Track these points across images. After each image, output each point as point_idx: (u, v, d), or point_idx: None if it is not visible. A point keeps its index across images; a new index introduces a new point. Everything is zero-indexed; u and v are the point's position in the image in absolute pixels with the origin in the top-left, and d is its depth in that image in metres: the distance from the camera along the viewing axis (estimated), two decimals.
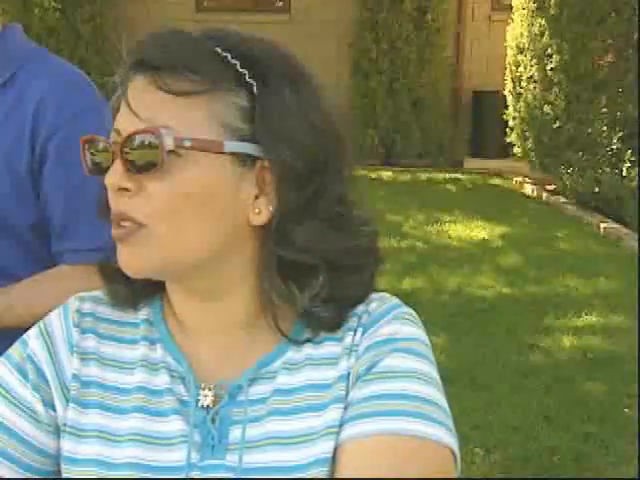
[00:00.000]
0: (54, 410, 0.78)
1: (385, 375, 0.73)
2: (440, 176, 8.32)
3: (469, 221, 6.37)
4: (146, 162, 0.71)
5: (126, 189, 0.72)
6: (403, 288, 4.65)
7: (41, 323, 0.82)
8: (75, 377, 0.79)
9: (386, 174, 8.25)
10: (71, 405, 0.78)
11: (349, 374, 0.75)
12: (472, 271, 5.12)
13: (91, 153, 0.76)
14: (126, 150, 0.71)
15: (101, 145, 0.74)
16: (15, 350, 0.81)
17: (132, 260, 0.74)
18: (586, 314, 4.34)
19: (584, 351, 3.85)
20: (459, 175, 8.41)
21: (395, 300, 0.80)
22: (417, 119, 8.70)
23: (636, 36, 6.32)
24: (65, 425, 0.78)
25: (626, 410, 3.26)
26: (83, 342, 0.80)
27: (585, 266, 5.22)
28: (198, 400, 0.76)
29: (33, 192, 1.23)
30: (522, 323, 4.21)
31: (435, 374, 0.76)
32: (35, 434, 0.77)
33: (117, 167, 0.72)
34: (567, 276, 5.02)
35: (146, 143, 0.70)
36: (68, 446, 0.77)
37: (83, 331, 0.81)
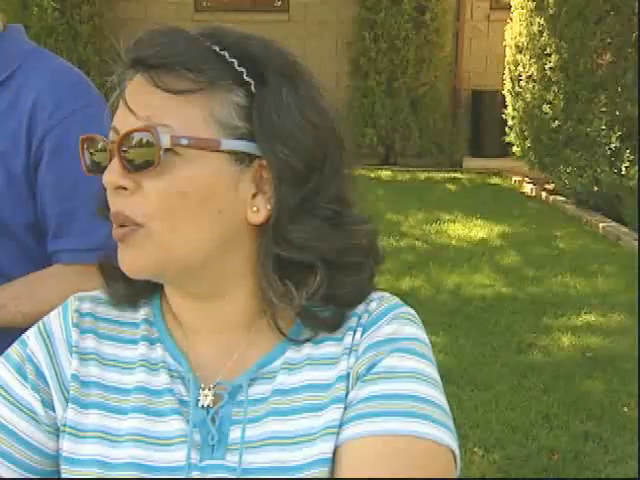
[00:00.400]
0: (54, 410, 0.78)
1: (385, 375, 0.73)
2: (439, 175, 8.32)
3: (468, 220, 6.37)
4: (143, 161, 0.70)
5: (124, 188, 0.71)
6: (402, 287, 4.65)
7: (40, 323, 0.82)
8: (74, 377, 0.78)
9: (385, 173, 8.25)
10: (71, 406, 0.77)
11: (349, 374, 0.75)
12: (471, 270, 5.13)
13: (90, 152, 0.75)
14: (123, 148, 0.71)
15: (100, 144, 0.74)
16: (14, 350, 0.81)
17: (131, 261, 0.73)
18: (585, 313, 4.34)
19: (583, 350, 3.85)
20: (458, 174, 8.41)
21: (395, 300, 0.80)
22: (416, 118, 8.70)
23: (635, 35, 6.32)
24: (65, 425, 0.77)
25: (625, 409, 3.26)
26: (82, 342, 0.80)
27: (584, 265, 5.23)
28: (198, 400, 0.76)
29: (29, 191, 1.23)
30: (521, 322, 4.22)
31: (435, 374, 0.75)
32: (34, 434, 0.77)
33: (114, 166, 0.71)
34: (566, 275, 5.03)
35: (143, 141, 0.70)
36: (68, 446, 0.77)
37: (82, 331, 0.80)
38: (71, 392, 0.78)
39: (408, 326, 0.77)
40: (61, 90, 1.24)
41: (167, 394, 0.77)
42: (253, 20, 7.85)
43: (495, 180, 8.19)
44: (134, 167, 0.71)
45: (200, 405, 0.76)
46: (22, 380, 0.78)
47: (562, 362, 3.72)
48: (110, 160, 0.72)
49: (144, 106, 0.72)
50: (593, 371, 3.61)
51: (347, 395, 0.74)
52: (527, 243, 5.80)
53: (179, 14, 8.80)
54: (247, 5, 9.15)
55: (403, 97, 8.63)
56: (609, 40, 6.54)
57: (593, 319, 4.27)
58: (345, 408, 0.73)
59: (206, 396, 0.76)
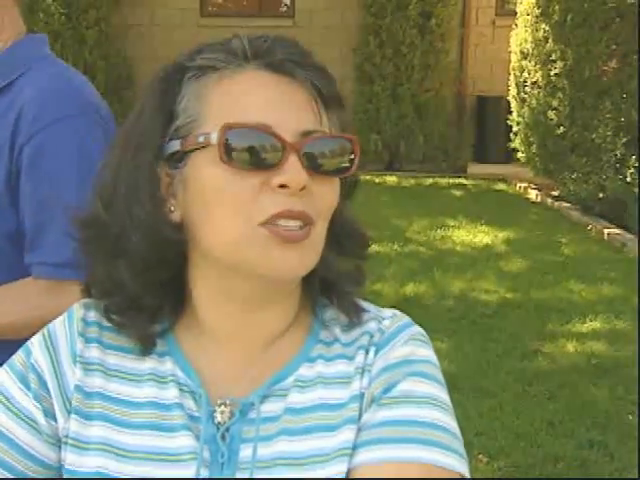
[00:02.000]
0: (55, 421, 0.76)
1: (400, 400, 0.73)
2: (444, 181, 8.32)
3: (473, 226, 6.36)
4: (338, 166, 0.73)
5: (303, 188, 0.70)
6: (407, 293, 4.63)
7: (45, 330, 0.80)
8: (78, 388, 0.76)
9: (390, 179, 8.25)
10: (73, 417, 0.76)
11: (363, 395, 0.74)
12: (476, 276, 5.11)
13: (255, 146, 0.70)
14: (309, 150, 0.71)
15: (275, 141, 0.70)
16: (18, 358, 0.79)
17: (302, 261, 0.71)
18: (590, 320, 4.33)
19: (588, 357, 3.84)
20: (463, 180, 8.41)
21: (407, 318, 0.80)
22: (421, 124, 8.71)
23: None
24: (67, 437, 0.76)
25: (630, 417, 3.24)
26: (87, 352, 0.78)
27: (589, 271, 5.21)
28: (214, 417, 0.74)
29: (11, 199, 1.20)
30: (526, 329, 4.20)
31: (446, 397, 0.75)
32: (35, 445, 0.76)
33: (297, 165, 0.69)
34: (571, 281, 5.01)
35: (338, 147, 0.73)
36: (70, 458, 0.75)
37: (87, 340, 0.78)
38: (74, 403, 0.76)
39: (422, 348, 0.77)
40: (46, 98, 1.20)
41: (176, 409, 0.75)
42: (259, 25, 7.87)
43: (500, 186, 8.18)
44: (325, 171, 0.72)
45: (217, 422, 0.74)
46: (25, 389, 0.77)
47: (567, 369, 3.70)
48: (284, 159, 0.69)
49: (327, 113, 0.74)
50: (598, 378, 3.60)
51: (360, 416, 0.73)
52: (532, 249, 5.78)
53: (185, 19, 8.82)
54: (253, 10, 9.18)
55: (408, 103, 8.64)
56: (614, 46, 6.54)
57: (598, 326, 4.26)
58: (359, 430, 0.72)
59: (223, 412, 0.74)
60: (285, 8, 9.33)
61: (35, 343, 0.79)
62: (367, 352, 0.76)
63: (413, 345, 0.76)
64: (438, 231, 6.22)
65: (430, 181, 8.31)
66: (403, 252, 5.60)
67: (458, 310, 4.46)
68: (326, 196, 0.72)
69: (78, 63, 7.99)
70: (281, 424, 0.73)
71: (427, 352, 0.77)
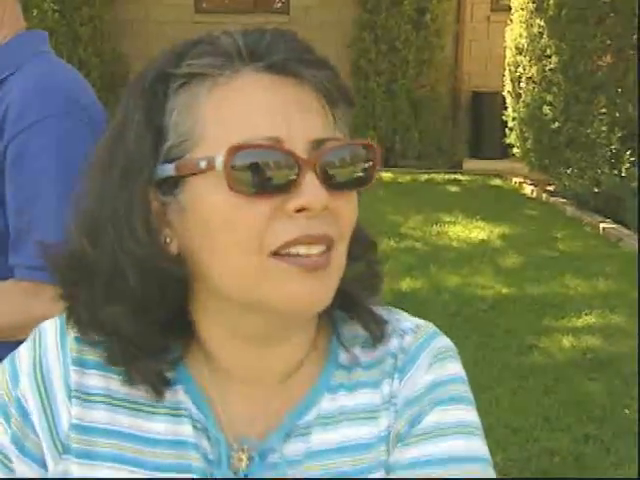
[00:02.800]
0: (37, 462, 0.68)
1: (429, 435, 0.67)
2: (439, 177, 8.32)
3: (468, 222, 6.37)
4: (357, 177, 0.64)
5: (325, 208, 0.61)
6: (402, 289, 4.63)
7: (37, 356, 0.69)
8: (76, 427, 0.67)
9: (386, 175, 8.25)
10: (74, 459, 0.67)
11: (389, 433, 0.68)
12: (471, 272, 5.12)
13: (268, 167, 0.60)
14: (331, 163, 0.62)
15: (286, 157, 0.61)
16: (4, 384, 0.70)
17: (327, 292, 0.63)
18: (586, 315, 4.34)
19: (584, 352, 3.85)
20: (458, 176, 8.41)
21: (430, 330, 0.72)
22: (416, 120, 8.70)
23: (635, 37, 6.32)
24: None
25: (626, 411, 3.25)
26: (85, 380, 0.68)
27: (585, 266, 5.22)
28: (230, 462, 0.67)
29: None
30: (521, 324, 4.21)
31: (476, 415, 0.70)
32: None
33: (315, 183, 0.60)
34: (566, 276, 5.02)
35: (357, 156, 0.64)
36: None
37: (85, 365, 0.68)
38: (73, 444, 0.67)
39: (448, 364, 0.71)
40: (30, 98, 1.17)
41: (192, 449, 0.67)
42: (254, 22, 7.85)
43: (495, 182, 8.19)
44: (344, 185, 0.63)
45: (233, 470, 0.67)
46: (4, 424, 0.68)
47: (563, 364, 3.71)
48: (301, 178, 0.60)
49: (337, 117, 0.65)
50: (594, 373, 3.61)
51: (388, 457, 0.67)
52: (528, 244, 5.79)
53: (179, 16, 8.79)
54: (248, 7, 9.15)
55: (403, 99, 8.63)
56: (609, 42, 6.54)
57: (594, 320, 4.27)
58: (387, 473, 0.67)
59: (240, 460, 0.67)
60: (280, 4, 9.31)
61: (24, 371, 0.69)
62: (392, 379, 0.69)
63: (438, 366, 0.70)
64: (434, 227, 6.22)
65: (425, 177, 8.31)
66: (399, 248, 5.60)
67: (454, 305, 4.47)
68: (347, 212, 0.64)
69: (72, 60, 7.96)
70: (303, 470, 0.66)
71: (454, 368, 0.71)
